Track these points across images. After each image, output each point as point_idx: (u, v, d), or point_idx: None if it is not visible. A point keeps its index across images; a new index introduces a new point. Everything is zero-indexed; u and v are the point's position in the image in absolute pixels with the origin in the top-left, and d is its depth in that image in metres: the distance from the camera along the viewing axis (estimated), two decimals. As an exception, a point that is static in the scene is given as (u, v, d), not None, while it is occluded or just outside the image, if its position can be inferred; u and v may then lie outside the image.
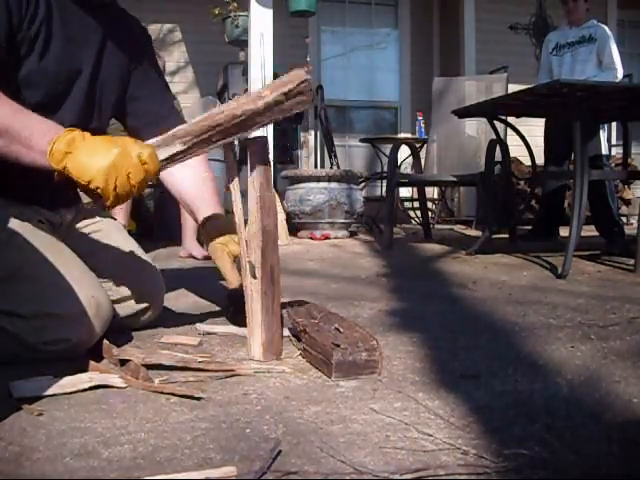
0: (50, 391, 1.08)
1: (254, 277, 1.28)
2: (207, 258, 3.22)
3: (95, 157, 1.12)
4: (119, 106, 1.58)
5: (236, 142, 4.86)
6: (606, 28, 3.89)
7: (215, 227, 1.49)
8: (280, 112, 1.25)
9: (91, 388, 1.11)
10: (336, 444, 0.87)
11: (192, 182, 1.60)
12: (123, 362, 1.22)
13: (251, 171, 1.30)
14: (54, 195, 1.48)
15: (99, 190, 1.13)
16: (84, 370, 1.17)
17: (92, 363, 1.19)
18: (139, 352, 1.26)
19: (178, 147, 1.22)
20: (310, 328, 1.31)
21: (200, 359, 1.24)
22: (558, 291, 2.23)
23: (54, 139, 1.13)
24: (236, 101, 1.25)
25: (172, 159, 1.23)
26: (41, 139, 1.14)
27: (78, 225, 1.58)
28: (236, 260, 1.44)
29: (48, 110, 1.37)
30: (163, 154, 1.21)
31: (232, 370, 1.21)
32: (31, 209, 1.42)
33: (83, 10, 1.41)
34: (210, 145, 1.24)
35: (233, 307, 1.63)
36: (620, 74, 3.79)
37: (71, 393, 1.09)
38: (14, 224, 1.34)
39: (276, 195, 4.47)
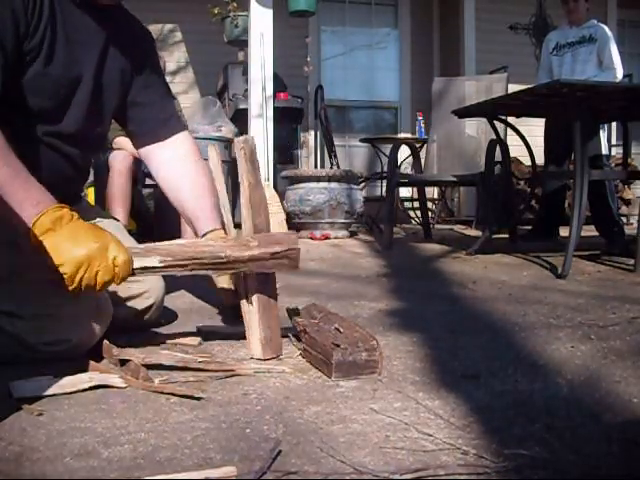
0: (50, 391, 1.08)
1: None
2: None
3: (73, 244, 1.14)
4: (120, 110, 1.56)
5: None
6: (606, 28, 3.89)
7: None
8: (260, 267, 1.26)
9: (91, 388, 1.11)
10: (336, 444, 0.87)
11: (191, 194, 1.57)
12: (123, 362, 1.22)
13: (240, 172, 1.31)
14: (55, 195, 1.48)
15: (65, 275, 1.14)
16: (84, 370, 1.17)
17: (92, 363, 1.19)
18: (139, 352, 1.26)
19: (155, 262, 1.22)
20: (310, 328, 1.31)
21: (200, 359, 1.24)
22: (558, 291, 2.23)
23: (42, 212, 1.15)
24: (224, 239, 1.24)
25: (146, 270, 1.23)
26: (32, 207, 1.15)
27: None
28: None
29: (53, 117, 1.37)
30: (138, 263, 1.21)
31: (232, 370, 1.21)
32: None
33: (85, 12, 1.39)
34: (185, 271, 1.24)
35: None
36: (620, 74, 3.78)
37: (71, 393, 1.09)
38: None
39: (276, 195, 4.47)
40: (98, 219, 1.61)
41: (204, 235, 1.50)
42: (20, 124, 1.28)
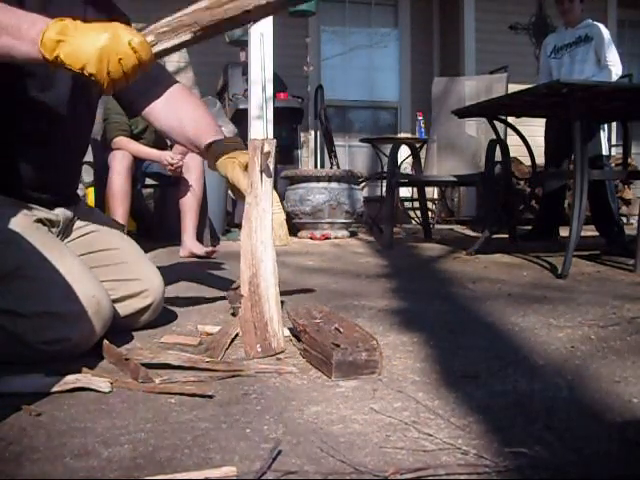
0: (34, 389, 1.07)
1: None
2: (209, 254, 3.24)
3: (86, 43, 1.10)
4: None
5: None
6: (601, 26, 3.90)
7: (219, 147, 1.52)
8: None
9: (75, 390, 1.10)
10: (336, 444, 0.87)
11: (192, 116, 1.62)
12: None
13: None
14: (54, 194, 1.48)
15: (93, 76, 1.11)
16: (81, 371, 1.16)
17: (84, 369, 1.18)
18: (148, 352, 1.26)
19: (184, 37, 1.19)
20: (310, 328, 1.31)
21: (207, 359, 1.24)
22: (558, 291, 2.23)
23: (44, 28, 1.10)
24: None
25: (171, 50, 1.21)
26: (31, 28, 1.10)
27: (77, 224, 1.58)
28: (247, 168, 1.46)
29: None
30: (163, 45, 1.18)
31: (239, 370, 1.21)
32: (30, 208, 1.42)
33: None
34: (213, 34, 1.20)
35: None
36: (619, 71, 3.79)
37: (54, 393, 1.08)
38: (15, 223, 1.34)
39: (276, 195, 4.48)
40: (96, 224, 1.61)
41: (208, 146, 1.53)
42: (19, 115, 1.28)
